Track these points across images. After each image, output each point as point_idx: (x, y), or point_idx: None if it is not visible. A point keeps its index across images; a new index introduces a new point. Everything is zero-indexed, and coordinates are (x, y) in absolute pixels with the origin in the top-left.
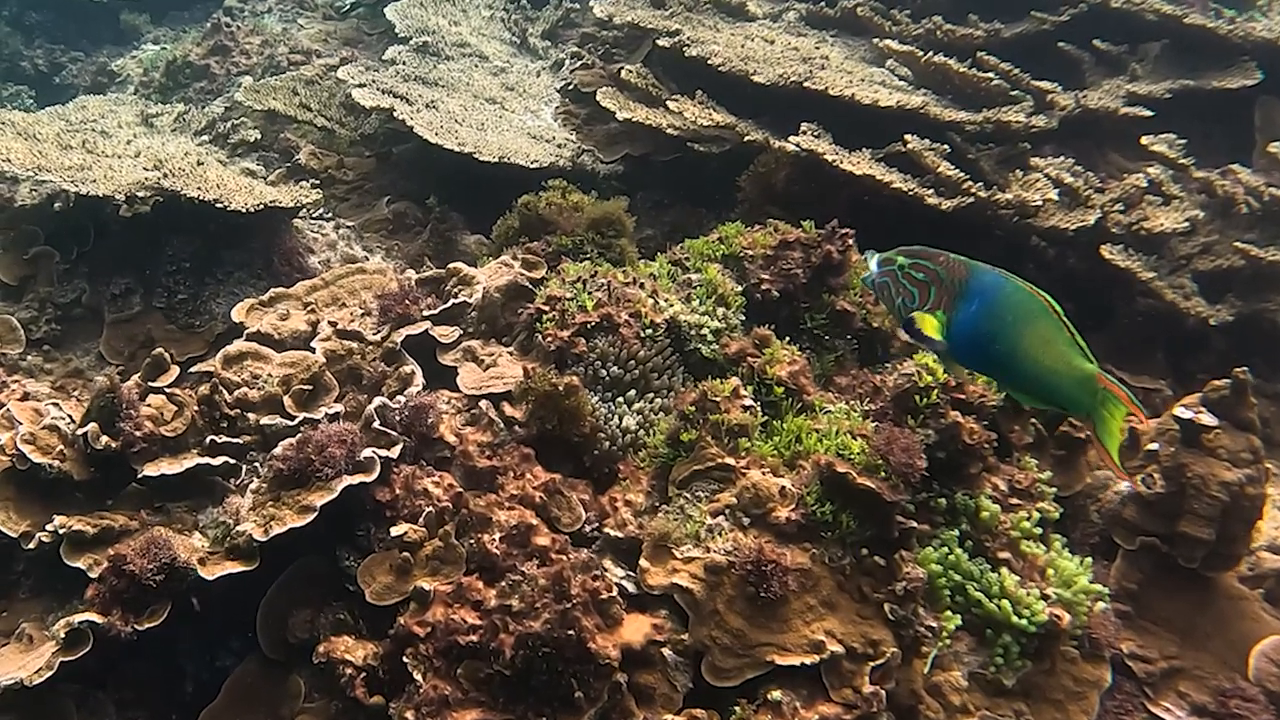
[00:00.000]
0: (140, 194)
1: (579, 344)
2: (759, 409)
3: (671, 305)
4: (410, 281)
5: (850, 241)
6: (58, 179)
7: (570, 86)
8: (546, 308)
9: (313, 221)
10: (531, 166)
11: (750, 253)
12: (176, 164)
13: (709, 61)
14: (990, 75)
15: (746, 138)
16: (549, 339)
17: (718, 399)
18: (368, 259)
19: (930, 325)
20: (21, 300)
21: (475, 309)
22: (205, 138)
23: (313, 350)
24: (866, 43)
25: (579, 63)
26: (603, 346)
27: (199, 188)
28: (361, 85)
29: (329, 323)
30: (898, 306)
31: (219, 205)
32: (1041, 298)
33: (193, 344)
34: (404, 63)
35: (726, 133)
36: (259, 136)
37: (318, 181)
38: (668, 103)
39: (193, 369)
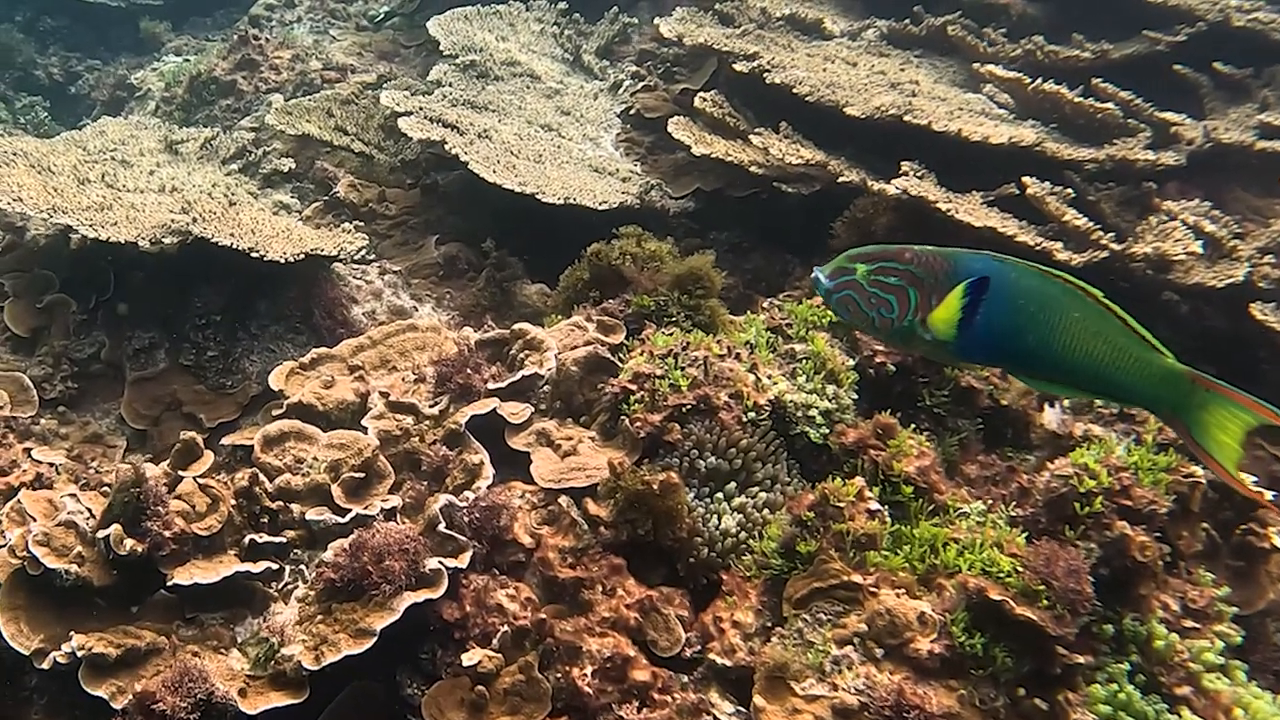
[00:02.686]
0: (166, 240)
1: (672, 430)
2: (886, 514)
3: (776, 383)
4: (470, 344)
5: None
6: (74, 222)
7: (632, 111)
8: (634, 387)
9: (355, 266)
10: (600, 208)
11: None
12: (206, 206)
13: (794, 90)
14: (1108, 105)
15: (841, 178)
16: (638, 424)
17: (841, 504)
18: (416, 309)
19: (942, 323)
20: (34, 354)
21: (548, 382)
22: (234, 166)
23: (364, 430)
24: (955, 63)
25: (640, 84)
26: (699, 433)
27: (232, 233)
28: (408, 113)
29: (380, 393)
30: (873, 320)
31: (254, 255)
32: (1064, 279)
33: (224, 407)
34: (450, 84)
35: (817, 171)
36: (292, 166)
37: (360, 221)
38: (751, 137)
39: (225, 439)
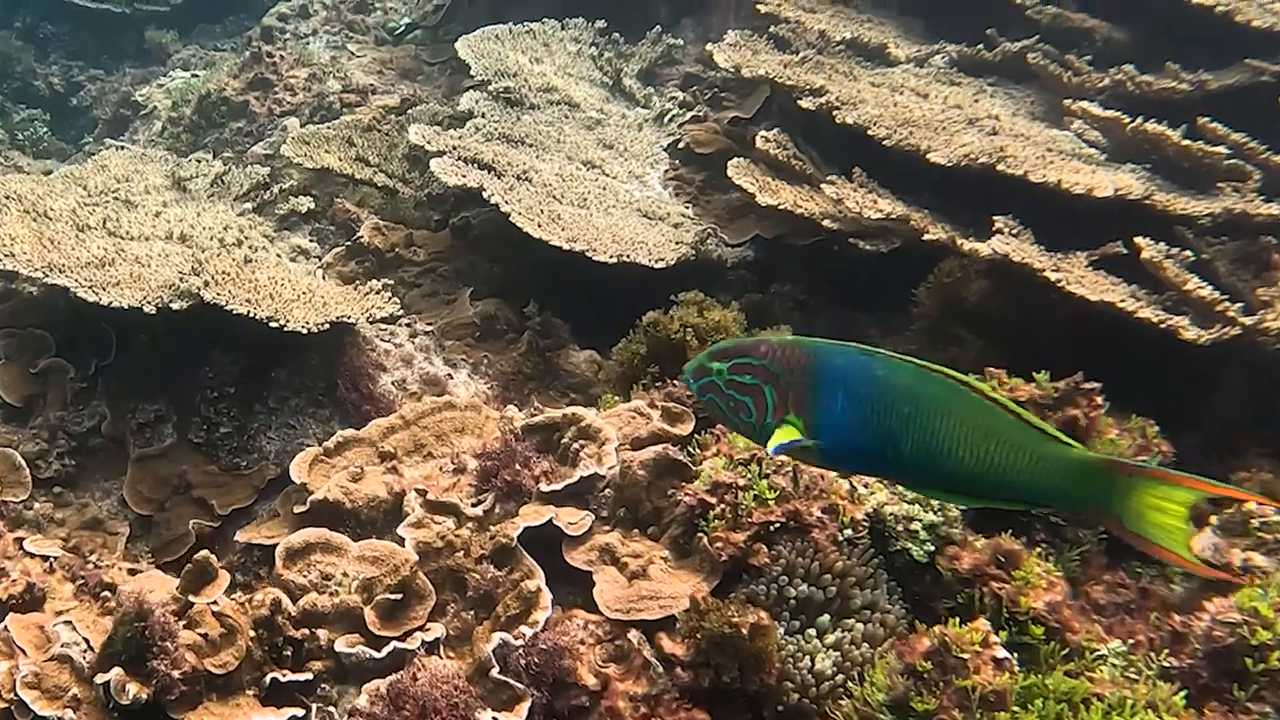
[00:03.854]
0: (175, 305)
1: (759, 553)
2: (1014, 662)
3: (873, 493)
4: (516, 430)
5: (1099, 400)
6: (72, 283)
7: (681, 144)
8: (712, 499)
9: (383, 326)
10: (656, 266)
11: None
12: (218, 265)
13: (870, 132)
14: (1219, 149)
15: (926, 236)
16: (719, 546)
17: (964, 654)
18: (450, 377)
19: (802, 427)
20: (28, 425)
21: (610, 484)
22: (248, 205)
23: (400, 540)
24: (1033, 92)
25: (688, 114)
26: (789, 556)
27: (248, 299)
28: (440, 153)
29: (416, 490)
30: (737, 424)
31: (273, 325)
32: (944, 374)
33: (238, 491)
34: (483, 115)
35: (897, 225)
36: (311, 205)
37: (385, 268)
38: (823, 186)
39: (240, 535)
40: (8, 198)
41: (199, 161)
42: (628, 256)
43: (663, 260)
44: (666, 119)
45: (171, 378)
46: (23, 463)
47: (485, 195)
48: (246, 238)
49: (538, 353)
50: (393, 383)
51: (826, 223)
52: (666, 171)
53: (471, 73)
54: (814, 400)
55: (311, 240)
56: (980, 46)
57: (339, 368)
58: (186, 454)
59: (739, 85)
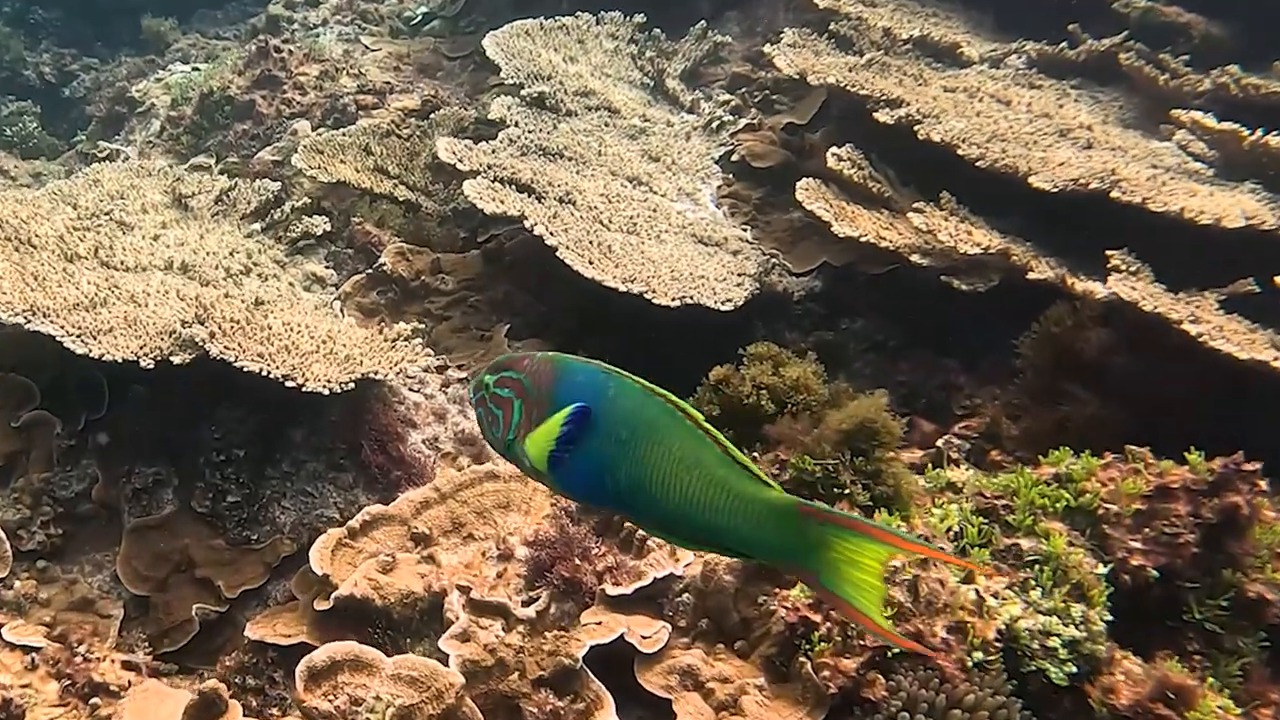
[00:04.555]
0: (176, 358)
1: (874, 683)
2: None
3: (1005, 605)
4: (571, 509)
5: (1262, 484)
6: (58, 331)
7: (734, 156)
8: (816, 617)
9: (410, 376)
10: (723, 309)
11: (1112, 507)
12: (225, 312)
13: (960, 152)
14: None
15: (1031, 275)
16: (825, 674)
17: None
18: None
19: (535, 449)
20: (9, 487)
21: (688, 588)
22: (256, 225)
23: (443, 657)
24: (1121, 94)
25: (741, 122)
26: (910, 688)
27: (261, 354)
28: (474, 173)
29: (459, 588)
30: (491, 438)
31: (290, 384)
32: (665, 398)
33: (248, 570)
34: (516, 123)
35: (995, 260)
36: (327, 227)
37: (410, 298)
38: (911, 216)
39: (250, 630)
40: None
41: (202, 177)
42: (691, 298)
43: (730, 301)
44: (717, 127)
45: (172, 436)
46: (1, 534)
47: (528, 225)
48: (255, 264)
49: None
50: (424, 441)
51: (915, 258)
52: (720, 188)
53: (502, 75)
54: (550, 420)
55: (327, 266)
56: (1063, 45)
57: (363, 425)
58: (189, 525)
59: (792, 87)
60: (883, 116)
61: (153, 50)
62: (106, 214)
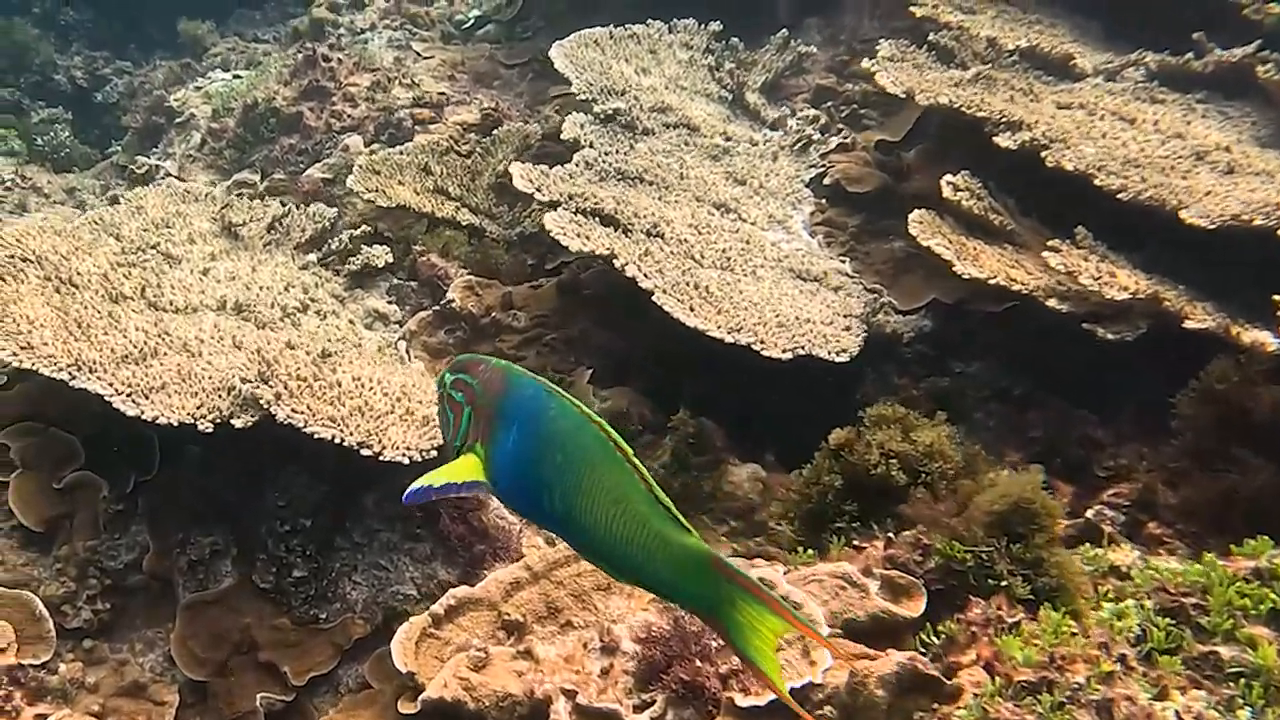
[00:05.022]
0: (237, 421)
1: None
2: None
3: None
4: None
5: None
6: (106, 390)
7: (827, 179)
8: None
9: None
10: (838, 360)
11: None
12: (291, 368)
13: (1099, 182)
14: None
15: (1187, 323)
16: None
17: None
18: None
19: (466, 469)
20: (50, 555)
21: (829, 700)
22: (312, 257)
23: None
24: (1252, 110)
25: (833, 141)
26: None
27: (332, 417)
28: (554, 204)
29: (563, 691)
30: (445, 440)
31: (366, 453)
32: (599, 426)
33: (316, 653)
34: (591, 144)
35: (1143, 305)
36: (389, 258)
37: (481, 337)
38: (1047, 256)
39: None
40: (25, 260)
41: (252, 203)
42: (803, 349)
43: (844, 351)
44: (805, 146)
45: (231, 501)
46: (44, 611)
47: (619, 266)
48: (312, 300)
49: (687, 469)
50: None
51: (1051, 302)
52: (813, 214)
53: (573, 90)
54: (495, 431)
55: (389, 300)
56: (1189, 56)
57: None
58: (250, 601)
59: (882, 100)
60: (1004, 141)
61: (189, 53)
62: (153, 247)
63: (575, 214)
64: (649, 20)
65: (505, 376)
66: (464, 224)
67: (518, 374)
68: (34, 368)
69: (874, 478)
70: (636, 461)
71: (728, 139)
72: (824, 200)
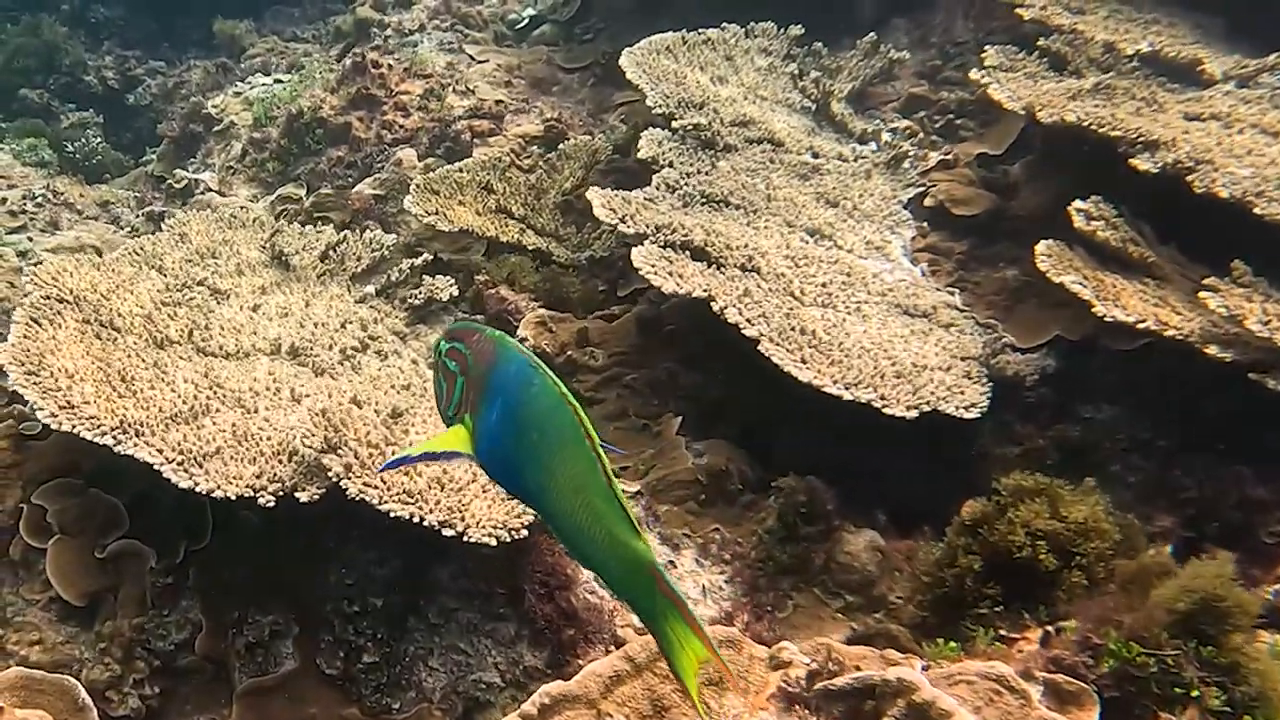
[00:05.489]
0: (302, 493)
1: None
2: None
3: None
4: (803, 694)
5: None
6: (155, 458)
7: (927, 199)
8: None
9: None
10: (969, 416)
11: None
12: (361, 433)
13: (1258, 210)
14: None
15: None
16: None
17: None
18: (674, 565)
19: (454, 439)
20: (93, 632)
21: None
22: (370, 288)
23: None
24: None
25: (933, 157)
26: None
27: (408, 491)
28: (640, 237)
29: None
30: (440, 409)
31: (448, 533)
32: (574, 409)
33: None
34: (671, 163)
35: None
36: (454, 291)
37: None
38: (1205, 297)
39: None
40: (62, 301)
41: (304, 228)
42: (929, 404)
43: (974, 406)
44: (899, 162)
45: (292, 575)
46: (88, 700)
47: (718, 309)
48: (372, 338)
49: (796, 538)
50: (592, 578)
51: (1211, 349)
52: (914, 238)
53: (649, 104)
54: (482, 404)
55: None
56: None
57: (524, 564)
58: (315, 688)
59: (979, 109)
60: (1143, 164)
61: (225, 52)
62: (199, 281)
63: (664, 248)
64: (723, 24)
65: (495, 348)
66: (530, 247)
67: (507, 346)
68: (75, 430)
69: (1019, 561)
70: (600, 452)
71: (815, 154)
72: (925, 223)
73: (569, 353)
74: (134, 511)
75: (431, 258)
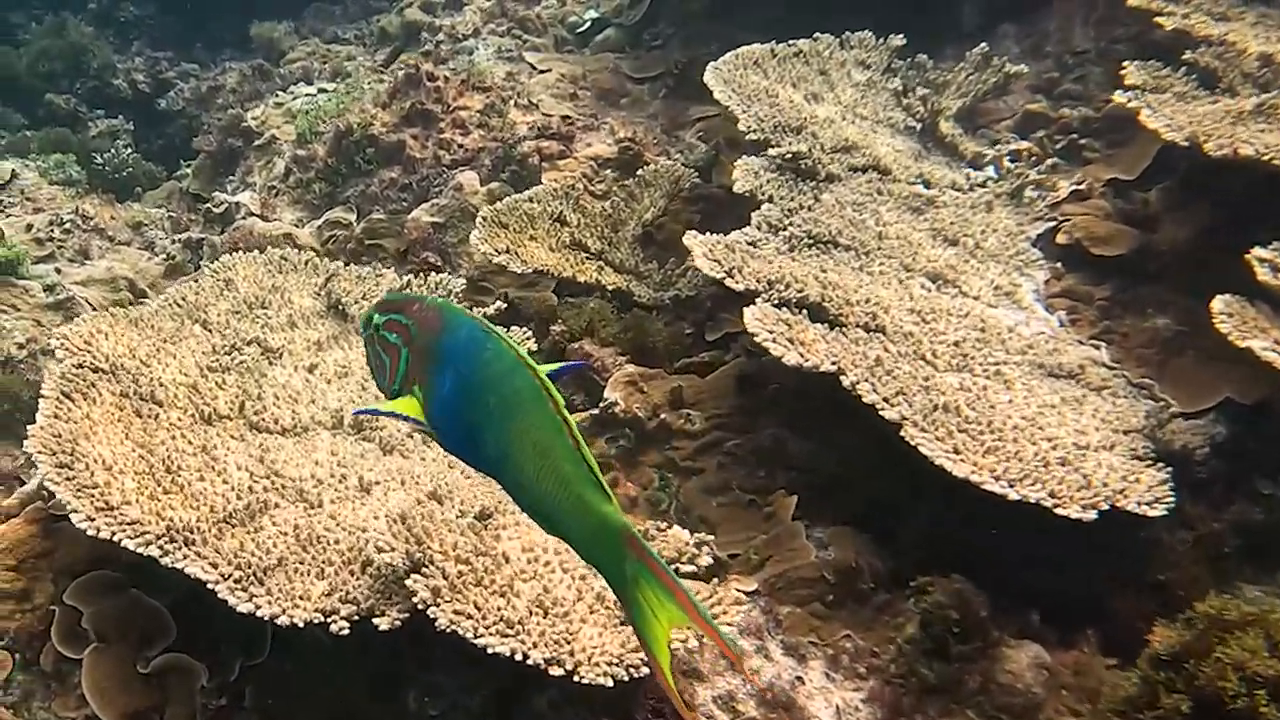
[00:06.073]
0: (381, 620)
1: None
2: None
3: None
4: None
5: None
6: (211, 573)
7: (1059, 235)
8: None
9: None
10: (1151, 515)
11: None
12: (447, 547)
13: None
14: None
15: None
16: None
17: None
18: (801, 681)
19: (405, 408)
20: None
21: None
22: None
23: None
24: None
25: (1064, 186)
26: None
27: (506, 620)
28: (751, 294)
29: None
30: (381, 384)
31: (556, 672)
32: (533, 370)
33: None
34: (771, 198)
35: None
36: (532, 346)
37: (648, 445)
38: None
39: None
40: (97, 371)
41: (362, 273)
42: (1106, 501)
43: (1159, 502)
44: (1022, 190)
45: (365, 700)
46: None
47: (849, 385)
48: (489, 509)
49: (945, 655)
50: (716, 700)
51: None
52: (1047, 282)
53: (740, 128)
54: (431, 374)
55: None
56: None
57: (637, 693)
58: None
59: (1108, 128)
60: None
61: (262, 54)
62: (248, 338)
63: (779, 306)
64: (814, 34)
65: (441, 315)
66: (609, 287)
67: (454, 312)
68: (116, 539)
69: (1235, 713)
70: (565, 413)
71: (926, 183)
72: (1058, 263)
73: (662, 415)
74: (181, 615)
75: (505, 305)
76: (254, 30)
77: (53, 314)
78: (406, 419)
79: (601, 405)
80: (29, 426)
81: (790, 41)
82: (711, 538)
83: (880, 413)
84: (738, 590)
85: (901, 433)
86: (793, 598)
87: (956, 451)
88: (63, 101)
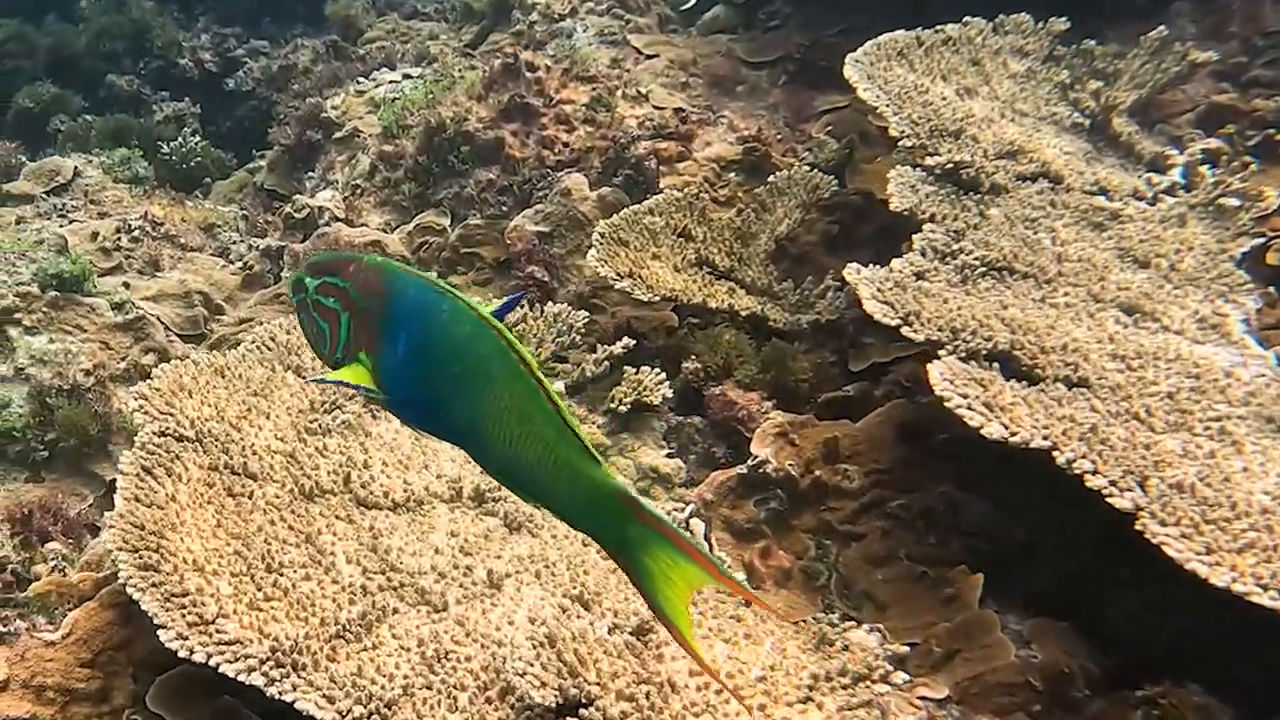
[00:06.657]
0: None
1: None
2: None
3: None
4: None
5: None
6: (324, 709)
7: (1274, 257)
8: None
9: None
10: None
11: None
12: (603, 673)
13: None
14: None
15: None
16: None
17: None
18: None
19: (354, 377)
20: None
21: None
22: (559, 384)
23: None
24: None
25: (1273, 194)
26: None
27: None
28: (932, 347)
29: None
30: (320, 352)
31: None
32: (499, 331)
33: None
34: (932, 214)
35: None
36: (668, 393)
37: (800, 507)
38: None
39: None
40: (181, 440)
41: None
42: None
43: None
44: (1217, 199)
45: None
46: None
47: (1063, 462)
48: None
49: None
50: None
51: None
52: (1259, 310)
53: (892, 133)
54: (381, 338)
55: (668, 450)
56: None
57: None
58: None
59: None
60: None
61: (337, 31)
62: (351, 396)
63: (966, 360)
64: (964, 17)
65: (383, 275)
66: (743, 311)
67: (395, 271)
68: (213, 664)
69: None
70: (540, 375)
71: (1104, 192)
72: (1270, 288)
73: (816, 472)
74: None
75: (634, 342)
76: (329, 9)
77: (122, 335)
78: (357, 388)
79: (750, 464)
80: (107, 515)
81: (938, 27)
82: (884, 621)
83: (1108, 498)
84: (929, 695)
85: (1138, 526)
86: (990, 706)
87: (1209, 552)
88: (125, 83)
